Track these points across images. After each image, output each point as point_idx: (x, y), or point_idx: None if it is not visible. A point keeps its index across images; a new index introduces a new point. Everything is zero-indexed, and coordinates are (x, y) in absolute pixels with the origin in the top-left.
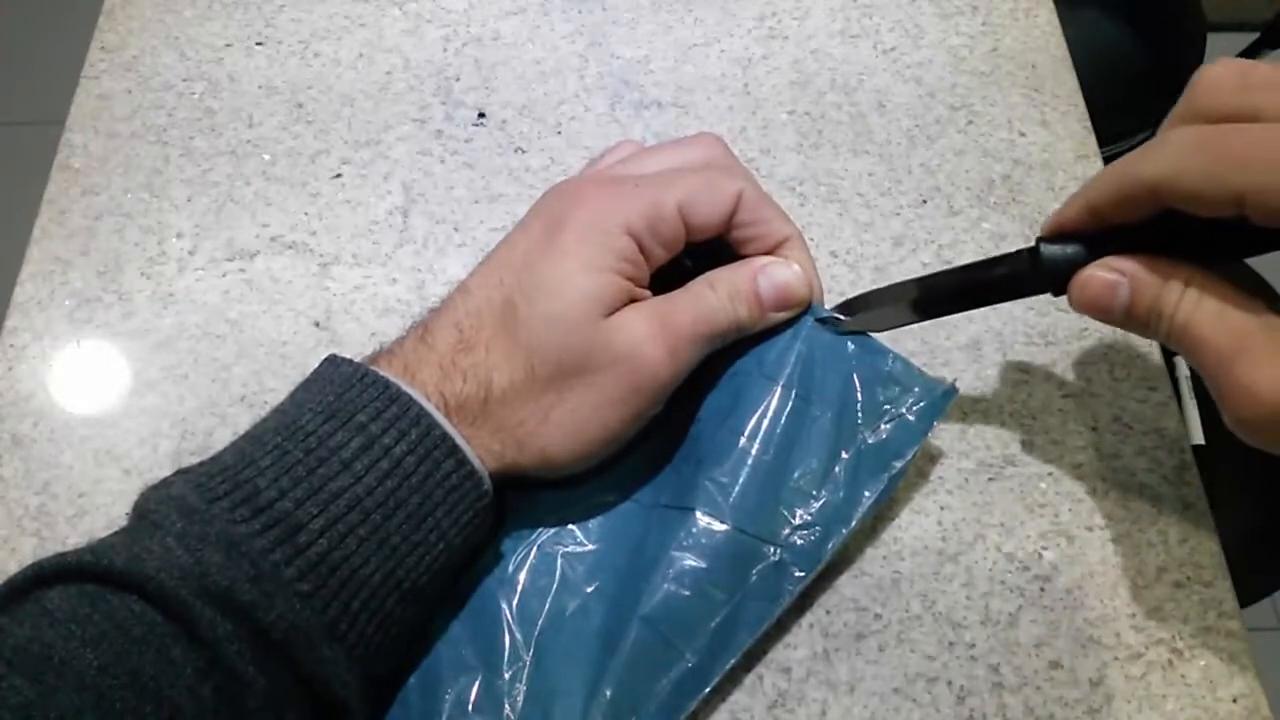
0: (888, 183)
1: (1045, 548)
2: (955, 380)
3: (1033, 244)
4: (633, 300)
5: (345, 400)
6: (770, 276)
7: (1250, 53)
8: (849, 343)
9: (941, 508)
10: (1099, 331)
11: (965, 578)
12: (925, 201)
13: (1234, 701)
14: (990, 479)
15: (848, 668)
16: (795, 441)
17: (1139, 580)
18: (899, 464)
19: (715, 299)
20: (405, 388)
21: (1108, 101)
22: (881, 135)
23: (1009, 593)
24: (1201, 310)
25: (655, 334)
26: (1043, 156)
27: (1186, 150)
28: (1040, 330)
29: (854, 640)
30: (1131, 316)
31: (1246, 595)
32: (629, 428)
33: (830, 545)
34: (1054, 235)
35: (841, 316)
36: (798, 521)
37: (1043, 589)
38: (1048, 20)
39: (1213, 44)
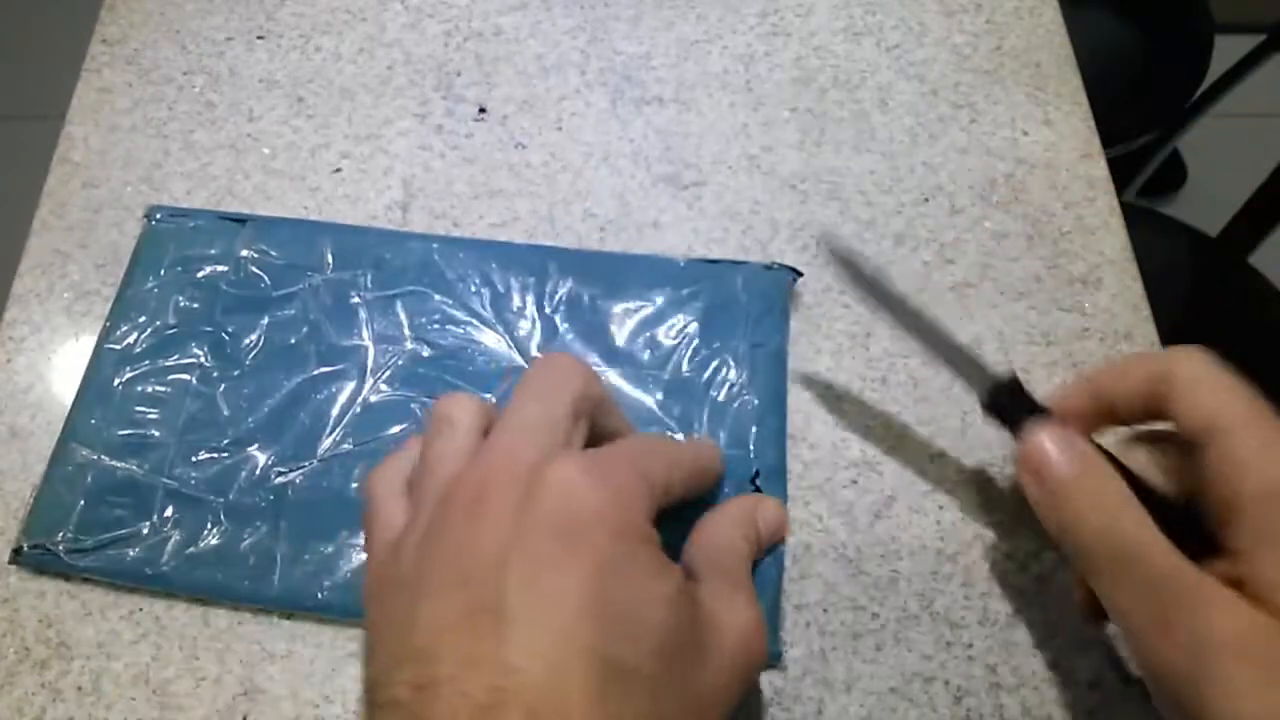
0: (890, 181)
1: (1044, 547)
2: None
3: (1011, 377)
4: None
5: None
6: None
7: (1258, 54)
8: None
9: (940, 507)
10: (1100, 332)
11: (964, 577)
12: (927, 200)
13: None
14: (990, 478)
15: (844, 666)
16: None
17: None
18: (779, 338)
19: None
20: None
21: (1112, 101)
22: (884, 133)
23: (1007, 592)
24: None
25: None
26: (1046, 156)
27: (1205, 363)
28: (1042, 330)
29: (851, 639)
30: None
31: None
32: None
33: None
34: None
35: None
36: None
37: (1041, 589)
38: (1052, 19)
39: (1220, 45)
